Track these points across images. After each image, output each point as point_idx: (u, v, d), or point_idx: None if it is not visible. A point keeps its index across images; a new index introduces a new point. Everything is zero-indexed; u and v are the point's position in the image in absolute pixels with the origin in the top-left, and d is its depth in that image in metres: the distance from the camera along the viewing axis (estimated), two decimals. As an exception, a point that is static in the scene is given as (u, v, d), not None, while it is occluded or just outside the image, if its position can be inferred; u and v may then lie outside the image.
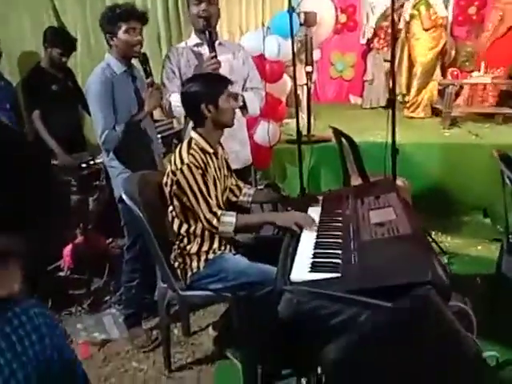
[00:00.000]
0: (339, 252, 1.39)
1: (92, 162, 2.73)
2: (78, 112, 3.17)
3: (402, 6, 5.01)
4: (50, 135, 2.87)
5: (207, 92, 1.74)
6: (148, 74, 2.02)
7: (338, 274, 1.24)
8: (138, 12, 1.98)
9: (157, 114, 2.65)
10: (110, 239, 3.10)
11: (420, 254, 1.22)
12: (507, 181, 1.87)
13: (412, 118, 4.64)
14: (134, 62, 2.12)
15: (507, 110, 4.08)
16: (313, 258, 1.39)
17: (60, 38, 2.91)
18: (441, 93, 4.41)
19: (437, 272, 1.09)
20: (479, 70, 4.40)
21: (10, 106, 2.83)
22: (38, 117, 2.86)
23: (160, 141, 2.63)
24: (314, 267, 1.32)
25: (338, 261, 1.33)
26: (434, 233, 3.10)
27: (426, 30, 4.49)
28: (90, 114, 3.00)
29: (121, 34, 1.95)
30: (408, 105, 4.77)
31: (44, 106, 2.88)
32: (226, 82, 1.80)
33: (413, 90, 4.67)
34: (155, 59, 3.69)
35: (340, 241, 1.48)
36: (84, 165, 2.69)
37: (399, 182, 2.84)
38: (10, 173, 0.54)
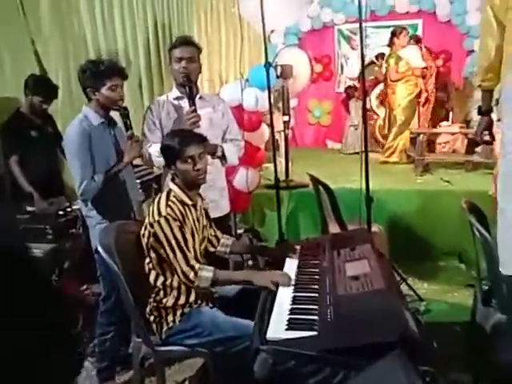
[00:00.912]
0: (316, 307, 1.40)
1: (69, 209, 2.70)
2: (56, 157, 3.16)
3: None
4: (27, 180, 2.84)
5: (168, 154, 1.80)
6: (128, 127, 2.06)
7: (315, 333, 1.24)
8: (120, 69, 2.04)
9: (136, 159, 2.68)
10: (85, 286, 3.02)
11: (392, 311, 1.24)
12: (476, 232, 1.94)
13: (387, 162, 4.79)
14: (112, 112, 2.16)
15: (476, 158, 4.27)
16: (289, 314, 1.40)
17: (42, 86, 2.95)
18: (412, 141, 4.60)
19: (409, 331, 1.11)
20: (448, 120, 4.64)
21: (-12, 151, 2.81)
22: (16, 162, 2.84)
23: (139, 186, 2.64)
24: (291, 325, 1.32)
25: (315, 317, 1.34)
26: (410, 279, 3.13)
27: (393, 81, 4.76)
28: (66, 158, 3.04)
29: (104, 90, 2.00)
30: (384, 149, 4.96)
31: (22, 151, 2.87)
32: (186, 143, 1.75)
33: (390, 136, 4.86)
34: (137, 108, 3.77)
35: (317, 295, 1.50)
36: (61, 212, 2.66)
37: (375, 228, 2.90)
38: None
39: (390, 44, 4.84)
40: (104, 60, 2.05)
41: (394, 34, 4.81)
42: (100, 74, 1.98)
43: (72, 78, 3.65)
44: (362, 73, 2.47)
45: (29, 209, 2.75)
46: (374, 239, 1.97)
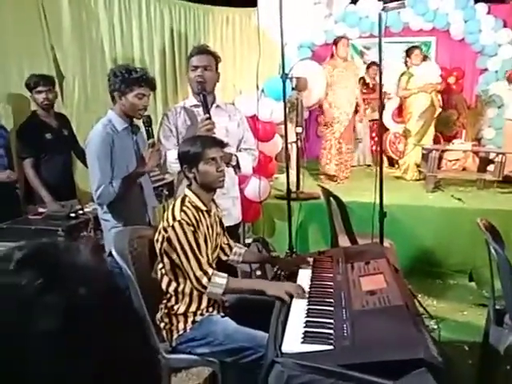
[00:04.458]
0: (331, 321, 1.38)
1: (81, 212, 2.71)
2: (70, 159, 3.18)
3: None
4: (40, 182, 2.86)
5: (189, 157, 1.80)
6: (150, 135, 2.08)
7: (331, 347, 1.22)
8: (151, 79, 2.08)
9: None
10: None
11: (412, 328, 1.22)
12: (492, 251, 1.91)
13: (401, 178, 4.80)
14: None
15: (489, 177, 4.25)
16: (305, 326, 1.38)
17: (36, 76, 2.93)
18: (425, 157, 4.59)
19: (429, 350, 1.09)
20: (460, 137, 4.63)
21: (4, 152, 2.84)
22: (30, 165, 2.86)
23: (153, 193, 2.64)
24: (306, 338, 1.31)
25: (330, 331, 1.32)
26: (420, 296, 3.10)
27: (402, 97, 4.80)
28: (82, 161, 3.05)
29: (131, 96, 2.03)
30: (400, 165, 4.97)
31: (36, 154, 2.89)
32: (208, 145, 1.78)
33: (406, 151, 4.88)
34: (150, 114, 3.79)
35: (331, 309, 1.48)
36: (73, 214, 2.66)
37: (386, 243, 2.88)
38: None
39: (405, 63, 4.90)
40: (137, 68, 2.08)
41: (407, 54, 4.88)
42: (131, 80, 2.01)
43: (88, 84, 3.71)
44: (380, 87, 2.48)
45: (41, 210, 2.77)
46: (387, 253, 1.96)
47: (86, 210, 2.75)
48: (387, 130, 5.73)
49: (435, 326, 2.55)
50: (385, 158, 5.47)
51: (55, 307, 0.38)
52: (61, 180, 3.00)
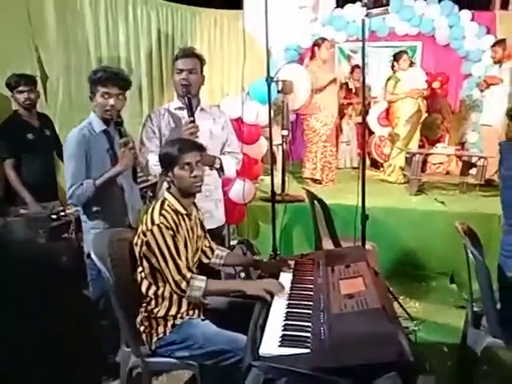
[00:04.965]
0: (309, 324, 1.39)
1: (63, 214, 2.68)
2: (52, 160, 3.15)
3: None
4: (21, 184, 2.82)
5: (166, 161, 1.80)
6: (122, 135, 2.08)
7: (308, 350, 1.23)
8: (117, 78, 2.05)
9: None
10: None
11: (388, 331, 1.24)
12: (470, 255, 1.95)
13: (386, 181, 4.84)
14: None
15: (471, 180, 4.31)
16: (283, 330, 1.39)
17: (16, 76, 2.88)
18: (408, 161, 4.64)
19: (404, 352, 1.10)
20: (444, 141, 4.68)
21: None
22: (11, 166, 2.83)
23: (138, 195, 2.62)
24: (284, 341, 1.31)
25: (308, 334, 1.33)
26: (401, 297, 3.13)
27: (389, 101, 4.85)
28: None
29: (97, 96, 2.05)
30: (384, 168, 5.01)
31: (18, 154, 2.86)
32: (185, 150, 1.77)
33: (392, 155, 4.92)
34: (136, 114, 3.78)
35: (310, 312, 1.49)
36: (54, 216, 2.64)
37: (368, 246, 2.91)
38: None
39: (392, 67, 4.94)
40: (105, 68, 2.08)
41: (394, 59, 4.91)
42: (94, 80, 2.03)
43: (72, 85, 3.67)
44: (363, 91, 2.50)
45: (22, 211, 2.73)
46: (368, 256, 1.98)
47: (67, 211, 2.72)
48: (373, 133, 5.80)
49: (415, 328, 2.59)
50: (369, 161, 5.55)
51: None
52: (42, 181, 2.96)
